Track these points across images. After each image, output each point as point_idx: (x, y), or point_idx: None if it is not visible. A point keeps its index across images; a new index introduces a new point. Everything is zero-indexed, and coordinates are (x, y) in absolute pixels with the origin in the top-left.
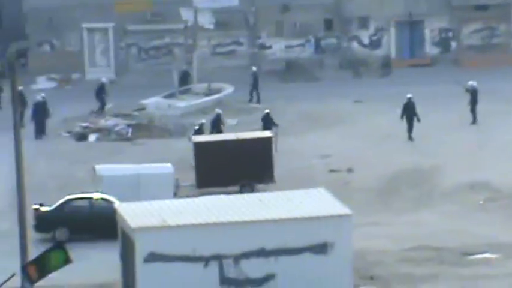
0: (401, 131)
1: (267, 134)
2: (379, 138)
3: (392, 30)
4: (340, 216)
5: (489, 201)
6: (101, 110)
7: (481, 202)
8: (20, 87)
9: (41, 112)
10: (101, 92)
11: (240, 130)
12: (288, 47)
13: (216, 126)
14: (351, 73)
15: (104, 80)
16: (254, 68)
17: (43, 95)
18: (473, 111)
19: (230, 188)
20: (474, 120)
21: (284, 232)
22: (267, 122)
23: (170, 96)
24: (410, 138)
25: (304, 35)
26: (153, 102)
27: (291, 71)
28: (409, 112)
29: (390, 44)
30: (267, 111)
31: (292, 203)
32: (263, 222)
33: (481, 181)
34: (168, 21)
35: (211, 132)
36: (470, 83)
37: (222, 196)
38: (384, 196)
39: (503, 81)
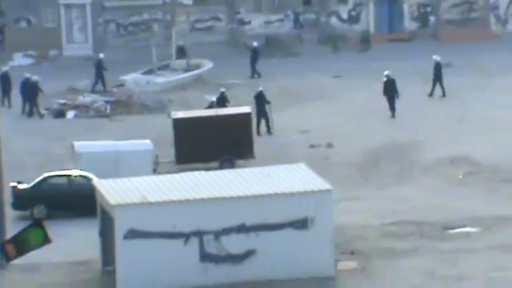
0: (381, 107)
1: (246, 109)
2: (359, 113)
3: (371, 5)
4: (321, 191)
5: (469, 175)
6: (103, 87)
7: (460, 176)
8: (5, 68)
9: (32, 92)
10: (100, 67)
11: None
12: (266, 22)
13: (221, 105)
14: (330, 48)
15: (101, 55)
16: (255, 43)
17: (36, 76)
18: (440, 84)
19: (210, 164)
20: (443, 94)
21: (264, 208)
22: (260, 99)
23: (149, 72)
24: (393, 116)
25: (283, 10)
26: (132, 79)
27: (270, 46)
28: (390, 90)
29: (369, 19)
30: (260, 88)
31: (273, 179)
32: (243, 198)
33: (461, 155)
34: None
35: None
36: (434, 57)
37: (202, 172)
38: (364, 171)
39: (482, 55)
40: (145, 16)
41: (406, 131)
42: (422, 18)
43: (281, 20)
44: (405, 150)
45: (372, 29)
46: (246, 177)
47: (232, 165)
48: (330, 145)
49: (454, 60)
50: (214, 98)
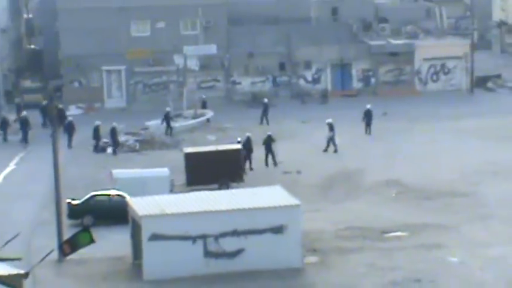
0: (335, 144)
1: (237, 146)
2: (320, 149)
3: (329, 70)
4: (292, 205)
5: (400, 194)
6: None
7: (394, 194)
8: (61, 105)
9: (71, 129)
10: (96, 132)
11: (218, 143)
12: (253, 83)
13: (248, 147)
14: (299, 101)
15: (114, 124)
16: (266, 100)
17: (70, 118)
18: (369, 125)
19: (211, 186)
20: (370, 132)
21: (251, 217)
22: (268, 140)
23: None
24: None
25: (265, 74)
26: (154, 124)
27: (255, 100)
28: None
29: (327, 80)
30: (269, 133)
31: (257, 196)
32: (236, 211)
33: (394, 179)
34: (165, 64)
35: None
36: (367, 106)
37: (205, 191)
38: (323, 190)
39: (409, 106)
40: (164, 78)
41: (352, 161)
42: (365, 80)
43: (263, 81)
44: (352, 175)
45: (329, 87)
46: (237, 195)
47: (227, 187)
48: (298, 172)
49: (389, 110)
50: (239, 139)
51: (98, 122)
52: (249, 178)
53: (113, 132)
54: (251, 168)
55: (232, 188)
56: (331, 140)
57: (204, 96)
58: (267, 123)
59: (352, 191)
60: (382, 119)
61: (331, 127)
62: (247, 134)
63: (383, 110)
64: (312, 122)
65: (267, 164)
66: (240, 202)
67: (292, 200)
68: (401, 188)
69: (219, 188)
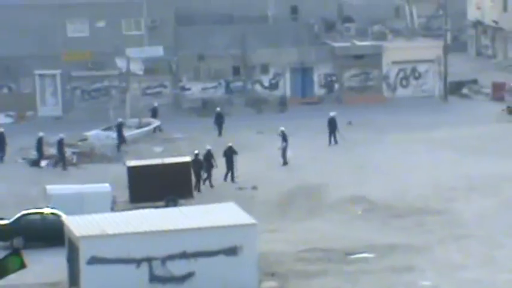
0: (295, 156)
1: (186, 159)
2: (277, 162)
3: (288, 75)
4: (247, 225)
5: (367, 211)
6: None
7: (360, 212)
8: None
9: (1, 141)
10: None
11: (165, 156)
12: (204, 88)
13: (208, 160)
14: (255, 110)
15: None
16: (218, 109)
17: (1, 129)
18: (333, 135)
19: (157, 203)
20: (335, 142)
21: (202, 238)
22: (229, 152)
23: (108, 129)
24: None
25: (217, 79)
26: (94, 134)
27: (206, 107)
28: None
29: (286, 86)
30: (229, 144)
31: (208, 215)
32: (184, 231)
33: (360, 195)
34: (106, 68)
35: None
36: (331, 113)
37: (151, 209)
38: (282, 208)
39: (376, 114)
40: (105, 83)
41: (314, 175)
42: (328, 86)
43: (215, 87)
44: (314, 191)
45: (288, 94)
46: (186, 214)
47: (175, 204)
48: (254, 187)
49: (354, 119)
50: (199, 155)
51: (41, 133)
52: (199, 195)
53: (60, 145)
54: (211, 185)
55: (181, 205)
56: (283, 151)
57: (156, 104)
58: (219, 133)
59: (314, 208)
60: (348, 129)
61: (284, 137)
62: (208, 146)
63: (348, 119)
64: (268, 133)
65: (226, 179)
66: (189, 221)
67: (247, 219)
68: (368, 204)
69: (166, 206)
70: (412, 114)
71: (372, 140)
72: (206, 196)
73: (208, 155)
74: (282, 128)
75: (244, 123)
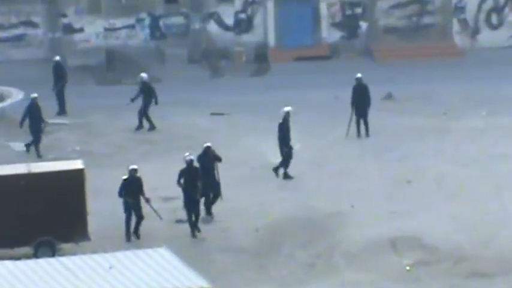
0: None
1: (76, 165)
2: (255, 170)
3: (270, 5)
4: None
5: (420, 266)
6: None
7: (407, 268)
8: None
9: None
10: None
11: (32, 159)
12: (108, 30)
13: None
14: (207, 70)
15: None
16: (143, 75)
17: None
18: (361, 119)
19: (20, 250)
20: (366, 132)
21: None
22: (205, 157)
23: None
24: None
25: (134, 12)
26: None
27: (113, 66)
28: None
29: (267, 25)
30: (208, 144)
31: (118, 273)
32: None
33: (406, 234)
34: None
35: None
36: (358, 77)
37: (6, 263)
38: (260, 259)
39: (439, 81)
40: None
41: (322, 196)
42: (349, 25)
43: (131, 27)
44: (322, 227)
45: (271, 41)
46: (75, 271)
47: (53, 252)
48: (207, 219)
49: (396, 90)
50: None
51: None
52: (100, 232)
53: None
54: (209, 213)
55: (65, 254)
56: (285, 154)
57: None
58: (140, 123)
59: (320, 260)
60: (384, 108)
61: (285, 125)
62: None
63: (384, 89)
64: (235, 115)
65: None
66: (80, 286)
67: (191, 281)
68: (421, 253)
69: (36, 256)
70: (507, 81)
71: (428, 131)
72: (114, 235)
73: (205, 155)
74: (288, 109)
75: (187, 97)
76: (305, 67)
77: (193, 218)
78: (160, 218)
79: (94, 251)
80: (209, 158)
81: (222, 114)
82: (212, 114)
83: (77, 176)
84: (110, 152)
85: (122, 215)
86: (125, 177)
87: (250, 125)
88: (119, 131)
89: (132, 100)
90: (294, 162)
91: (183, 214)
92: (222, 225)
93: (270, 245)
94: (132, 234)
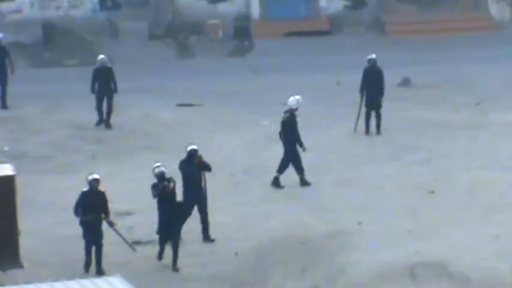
0: (276, 159)
1: (4, 170)
2: (230, 176)
3: None
4: None
5: None
6: None
7: None
8: None
9: None
10: None
11: None
12: None
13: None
14: (173, 49)
15: None
16: (102, 57)
17: None
18: (374, 112)
19: None
20: (377, 129)
21: None
22: (190, 161)
23: None
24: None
25: None
26: None
27: (53, 44)
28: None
29: None
30: (193, 146)
31: None
32: None
33: (429, 260)
34: None
35: None
36: (371, 57)
37: None
38: None
39: (470, 63)
40: None
41: (322, 210)
42: None
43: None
44: (320, 250)
45: (255, 11)
46: None
47: None
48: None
49: (415, 74)
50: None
51: None
52: (36, 256)
53: None
54: (207, 238)
55: None
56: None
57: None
58: (101, 118)
59: None
60: (399, 97)
61: (290, 119)
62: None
63: (400, 73)
64: (208, 106)
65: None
66: None
67: None
68: (449, 284)
69: None
70: None
71: (456, 126)
72: (56, 259)
73: (190, 167)
74: (295, 98)
75: (147, 83)
76: (298, 45)
77: (172, 248)
78: (133, 250)
79: (27, 281)
80: (194, 165)
81: (191, 105)
82: (179, 105)
83: (5, 185)
84: (48, 153)
85: (63, 234)
86: (84, 189)
87: (227, 119)
88: (60, 127)
89: (94, 91)
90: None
91: (142, 233)
92: (193, 248)
93: (253, 274)
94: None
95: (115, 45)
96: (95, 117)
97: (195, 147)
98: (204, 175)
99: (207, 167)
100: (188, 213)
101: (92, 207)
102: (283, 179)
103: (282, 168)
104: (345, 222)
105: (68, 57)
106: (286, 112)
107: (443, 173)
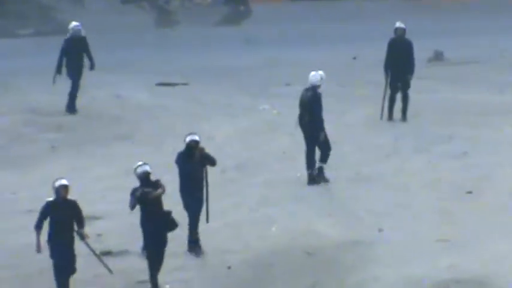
0: (277, 151)
1: None
2: (220, 172)
3: None
4: None
5: None
6: None
7: None
8: None
9: None
10: None
11: None
12: None
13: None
14: (151, 15)
15: None
16: (75, 24)
17: None
18: (400, 93)
19: None
20: (403, 115)
21: None
22: (192, 151)
23: None
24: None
25: None
26: None
27: (2, 9)
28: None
29: None
30: (194, 137)
31: None
32: None
33: (466, 276)
34: None
35: None
36: (399, 26)
37: None
38: None
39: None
40: None
41: (335, 215)
42: None
43: None
44: (333, 263)
45: None
46: None
47: None
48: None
49: (448, 47)
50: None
51: None
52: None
53: None
54: (194, 250)
55: None
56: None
57: None
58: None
59: None
60: (429, 74)
61: (314, 98)
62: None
63: (432, 45)
64: (194, 84)
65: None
66: None
67: None
68: None
69: None
70: None
71: (498, 111)
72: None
73: (190, 160)
74: (318, 73)
75: (122, 57)
76: (305, 10)
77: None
78: (110, 272)
79: None
80: (195, 158)
81: (173, 84)
82: (158, 84)
83: None
84: None
85: (14, 243)
86: (49, 199)
87: (217, 102)
88: (11, 112)
89: (59, 71)
90: (292, 161)
91: (112, 242)
92: (179, 261)
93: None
94: None
95: (79, 10)
96: (54, 99)
97: (196, 138)
98: (206, 171)
99: (212, 161)
100: (197, 219)
101: (61, 222)
102: (282, 175)
103: (325, 157)
104: (362, 229)
105: (21, 25)
106: (307, 90)
107: (483, 169)
